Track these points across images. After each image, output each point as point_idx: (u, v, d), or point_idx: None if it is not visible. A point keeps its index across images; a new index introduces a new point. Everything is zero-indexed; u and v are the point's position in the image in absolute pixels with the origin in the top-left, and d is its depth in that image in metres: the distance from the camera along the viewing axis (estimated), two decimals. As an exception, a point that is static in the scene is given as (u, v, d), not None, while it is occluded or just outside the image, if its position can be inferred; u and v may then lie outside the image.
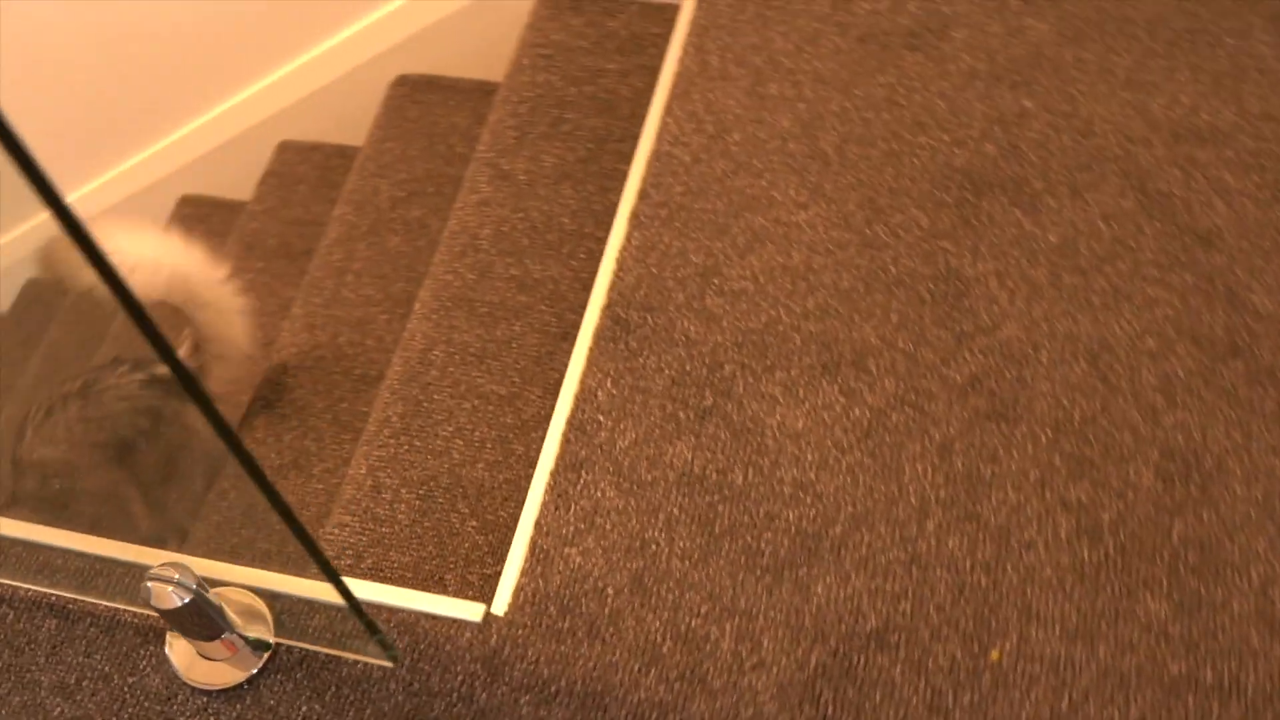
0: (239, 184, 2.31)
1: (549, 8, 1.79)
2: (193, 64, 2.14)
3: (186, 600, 0.98)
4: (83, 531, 1.42)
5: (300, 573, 1.12)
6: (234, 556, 1.35)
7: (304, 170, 2.25)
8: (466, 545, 1.36)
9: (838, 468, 1.20)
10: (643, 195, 1.39)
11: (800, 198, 1.37)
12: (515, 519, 1.22)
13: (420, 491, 1.40)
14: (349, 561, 1.36)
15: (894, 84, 1.43)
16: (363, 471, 1.44)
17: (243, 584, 1.15)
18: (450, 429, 1.45)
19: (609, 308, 1.32)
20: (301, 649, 1.13)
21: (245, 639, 1.09)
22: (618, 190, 1.44)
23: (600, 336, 1.31)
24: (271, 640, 1.13)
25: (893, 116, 1.41)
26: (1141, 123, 1.39)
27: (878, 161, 1.38)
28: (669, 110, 1.46)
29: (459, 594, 1.32)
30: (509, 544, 1.21)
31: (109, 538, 1.60)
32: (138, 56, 2.08)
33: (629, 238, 1.37)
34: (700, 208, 1.38)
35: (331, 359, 1.77)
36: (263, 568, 1.18)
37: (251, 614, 1.14)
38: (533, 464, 1.26)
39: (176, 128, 2.24)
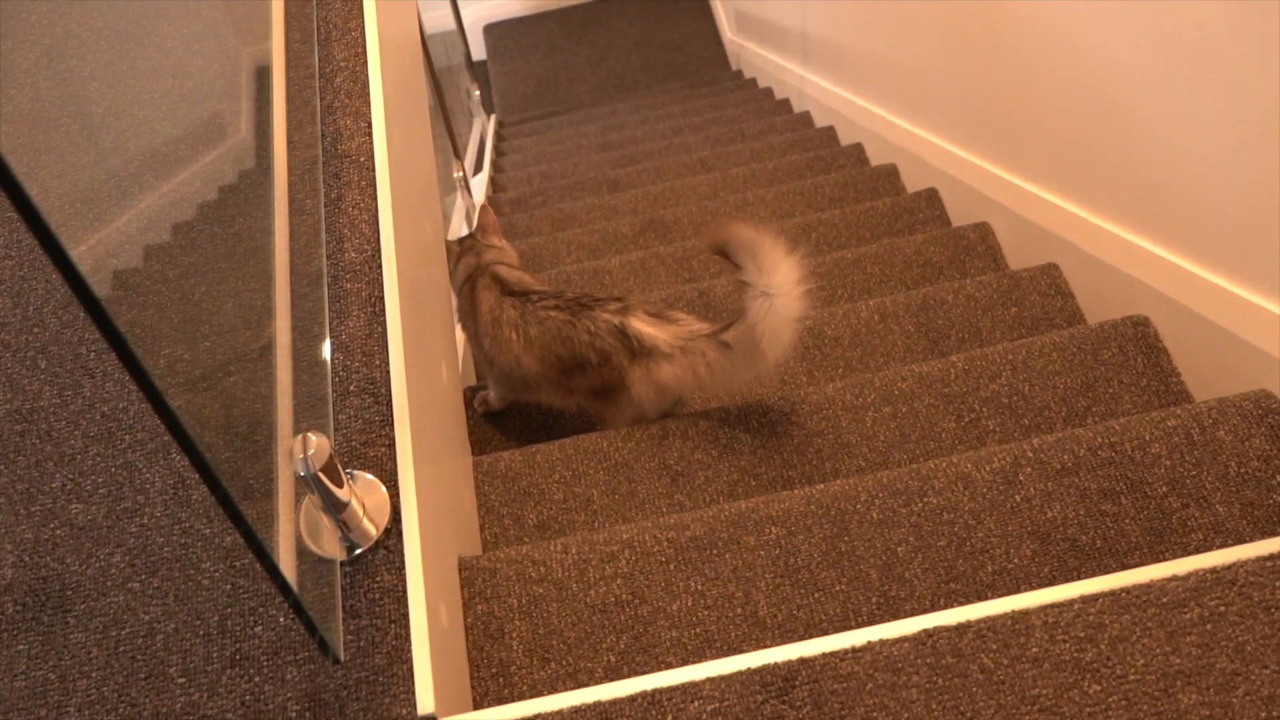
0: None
1: None
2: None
3: (301, 473, 1.17)
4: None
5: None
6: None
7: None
8: (586, 666, 1.39)
9: None
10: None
11: None
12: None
13: (624, 596, 1.43)
14: (529, 580, 1.46)
15: None
16: (624, 536, 1.48)
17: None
18: (700, 584, 1.42)
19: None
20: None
21: (343, 533, 1.26)
22: None
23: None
24: (338, 558, 1.28)
25: None
26: None
27: None
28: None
29: (530, 685, 1.38)
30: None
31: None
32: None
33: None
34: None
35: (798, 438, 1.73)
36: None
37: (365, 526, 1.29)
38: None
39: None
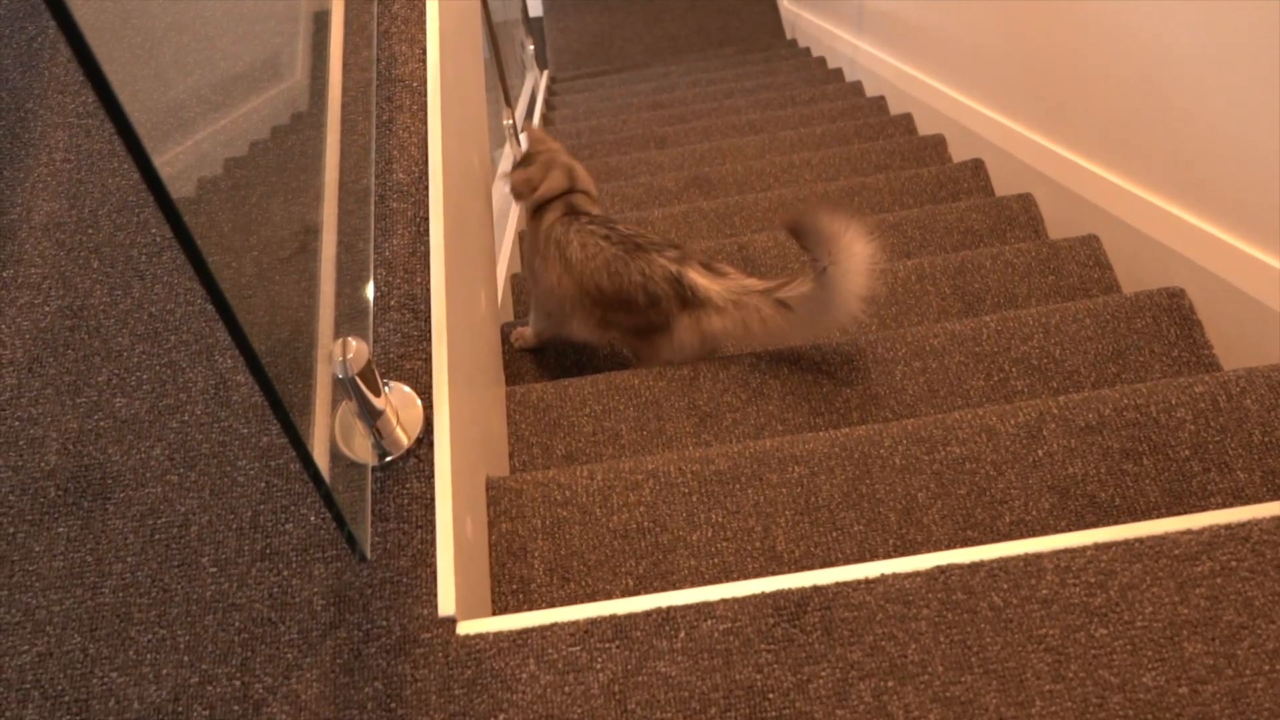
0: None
1: None
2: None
3: (340, 375, 1.21)
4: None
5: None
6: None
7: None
8: (604, 588, 1.42)
9: None
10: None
11: None
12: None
13: (645, 523, 1.45)
14: (554, 502, 1.49)
15: None
16: (649, 466, 1.50)
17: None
18: (721, 516, 1.45)
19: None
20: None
21: (376, 439, 1.30)
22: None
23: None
24: (370, 463, 1.31)
25: None
26: None
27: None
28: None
29: (549, 603, 1.41)
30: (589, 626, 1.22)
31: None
32: None
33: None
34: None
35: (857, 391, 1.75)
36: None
37: (397, 435, 1.33)
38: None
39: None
